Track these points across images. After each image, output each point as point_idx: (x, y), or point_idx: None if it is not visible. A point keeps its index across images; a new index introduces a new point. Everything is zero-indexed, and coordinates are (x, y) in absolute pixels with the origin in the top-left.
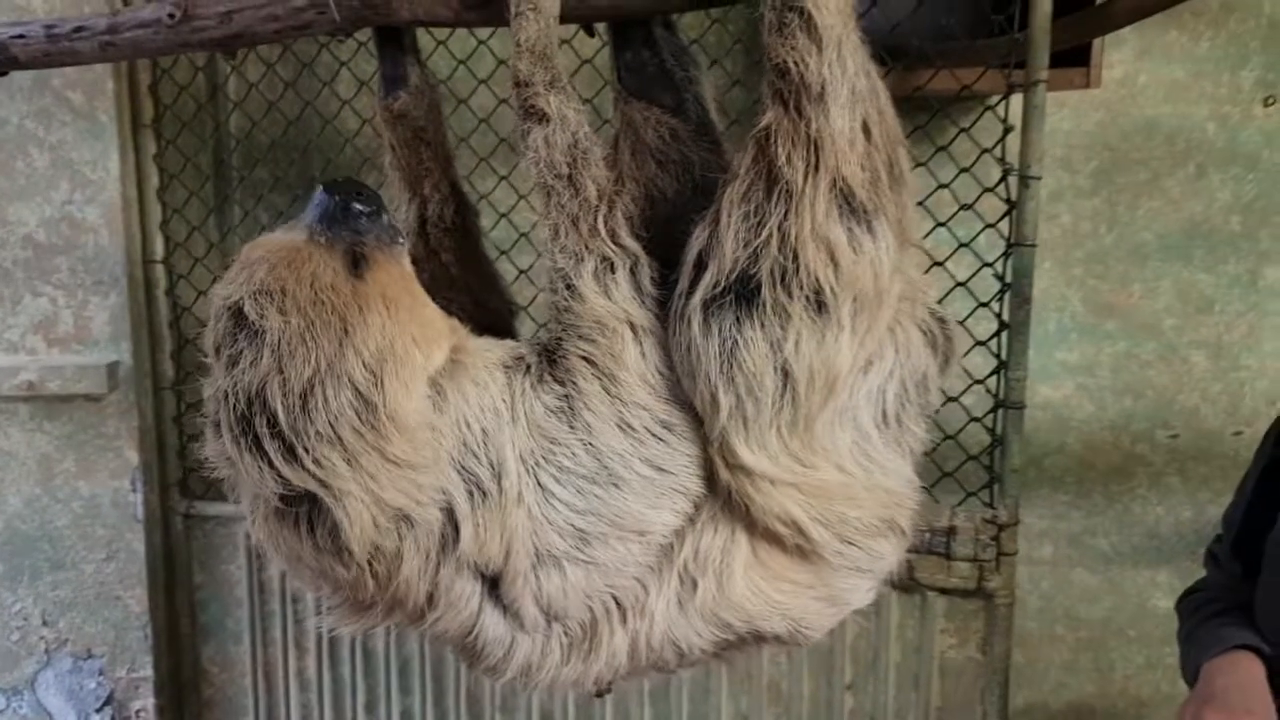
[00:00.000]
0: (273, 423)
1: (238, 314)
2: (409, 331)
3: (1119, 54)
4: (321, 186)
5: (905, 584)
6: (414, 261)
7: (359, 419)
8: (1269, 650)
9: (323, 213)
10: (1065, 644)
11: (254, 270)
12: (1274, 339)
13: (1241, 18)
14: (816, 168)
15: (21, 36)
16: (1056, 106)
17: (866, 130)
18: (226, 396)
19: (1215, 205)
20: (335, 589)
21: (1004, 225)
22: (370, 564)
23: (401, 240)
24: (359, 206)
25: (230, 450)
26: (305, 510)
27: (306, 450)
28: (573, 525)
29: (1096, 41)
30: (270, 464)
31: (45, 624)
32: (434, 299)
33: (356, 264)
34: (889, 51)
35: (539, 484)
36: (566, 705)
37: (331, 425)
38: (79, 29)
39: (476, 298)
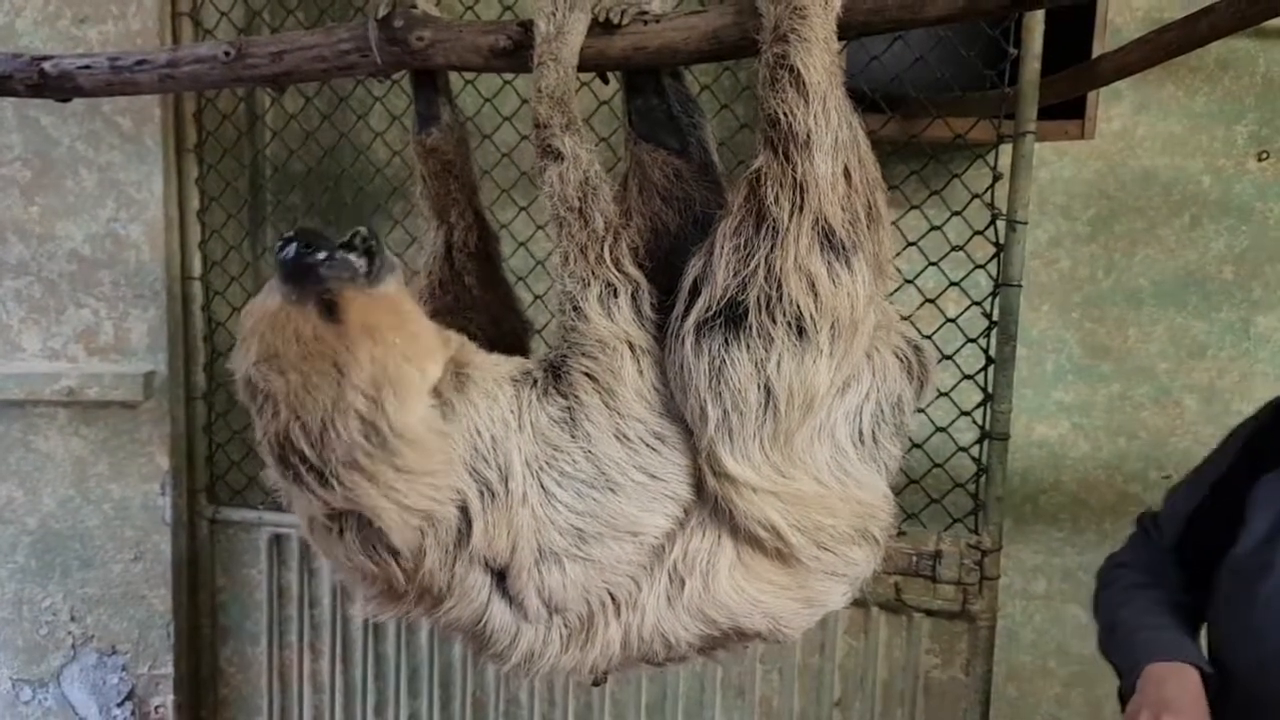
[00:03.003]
0: (304, 458)
1: (249, 382)
2: (398, 352)
3: (1118, 107)
4: (278, 246)
5: (893, 605)
6: (440, 283)
7: (369, 443)
8: (1210, 670)
9: (286, 274)
10: (1057, 678)
11: (250, 343)
12: (1265, 386)
13: (1236, 75)
14: (801, 207)
15: (88, 67)
16: (1056, 156)
17: (848, 175)
18: (265, 441)
19: (1209, 254)
20: (372, 582)
21: (992, 267)
22: (399, 559)
23: (379, 266)
24: (312, 258)
25: (280, 480)
26: (346, 523)
27: (335, 476)
28: (572, 525)
29: (1091, 95)
30: (311, 490)
31: (73, 620)
32: (456, 319)
33: (331, 309)
34: (888, 101)
35: (542, 487)
36: (567, 712)
37: (349, 453)
38: (141, 62)
39: (495, 318)
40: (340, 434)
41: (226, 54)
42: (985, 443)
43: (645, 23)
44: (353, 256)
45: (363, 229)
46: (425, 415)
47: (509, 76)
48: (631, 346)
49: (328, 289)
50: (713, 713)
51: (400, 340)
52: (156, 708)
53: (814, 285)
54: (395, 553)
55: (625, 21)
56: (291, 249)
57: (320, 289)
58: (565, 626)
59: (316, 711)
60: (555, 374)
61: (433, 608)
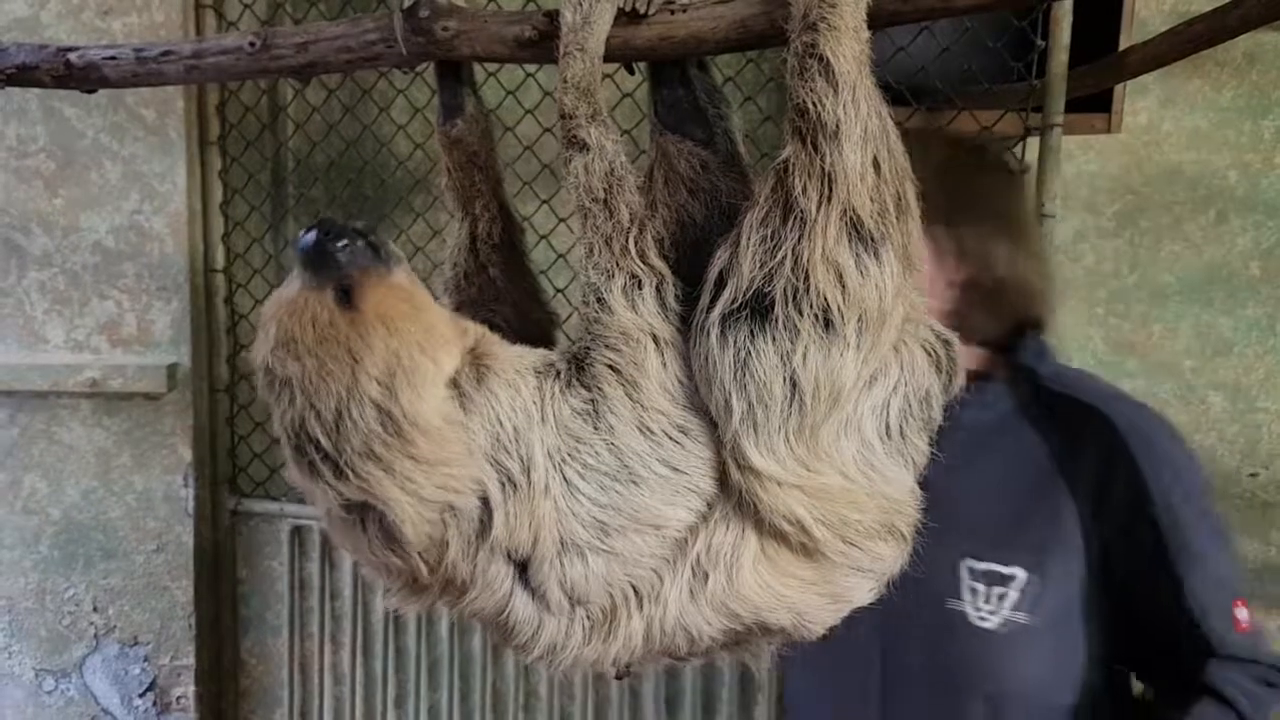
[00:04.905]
0: (319, 448)
1: (267, 368)
2: (413, 341)
3: (1144, 101)
4: (300, 236)
5: None
6: (465, 275)
7: (385, 431)
8: None
9: (305, 260)
10: None
11: (269, 328)
12: None
13: (1264, 69)
14: (829, 198)
15: (113, 58)
16: (1082, 150)
17: (877, 166)
18: (282, 430)
19: (1235, 250)
20: (396, 575)
21: None
22: (421, 553)
23: (386, 257)
24: (332, 245)
25: (297, 473)
26: (364, 515)
27: (350, 467)
28: (595, 518)
29: (1118, 88)
30: (326, 482)
31: (95, 610)
32: (481, 311)
33: (348, 295)
34: (914, 93)
35: (565, 479)
36: (585, 705)
37: (365, 442)
38: (166, 53)
39: (520, 310)
40: (356, 421)
41: (252, 45)
42: None
43: (672, 12)
44: (364, 245)
45: (363, 224)
46: (441, 405)
47: (531, 69)
48: (656, 339)
49: (346, 274)
50: (730, 708)
51: (415, 329)
52: (178, 698)
53: (841, 277)
54: (406, 545)
55: (652, 11)
56: (313, 235)
57: (339, 274)
58: (588, 619)
59: (337, 703)
60: (578, 366)
61: (457, 599)
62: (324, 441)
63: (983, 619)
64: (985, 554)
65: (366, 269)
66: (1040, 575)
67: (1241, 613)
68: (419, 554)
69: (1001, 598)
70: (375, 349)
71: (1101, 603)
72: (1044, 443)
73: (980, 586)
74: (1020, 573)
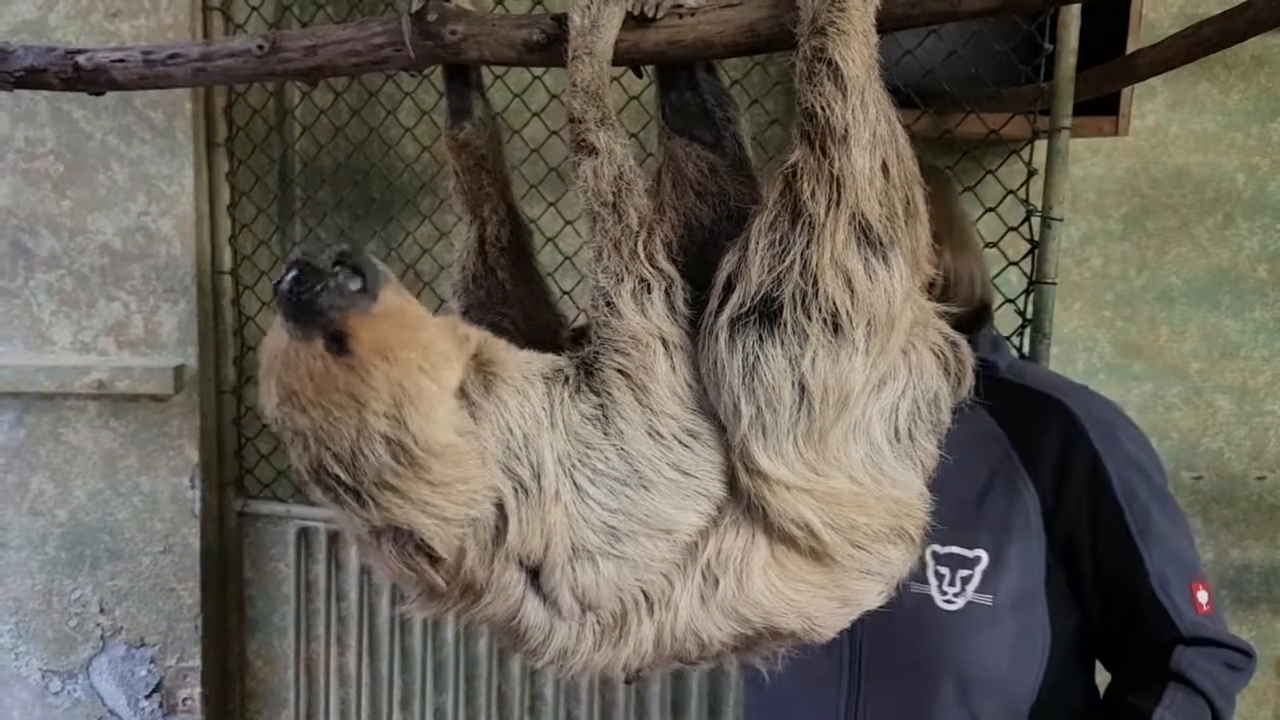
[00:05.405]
0: (340, 482)
1: (278, 421)
2: (414, 366)
3: (1151, 104)
4: (275, 283)
5: None
6: (473, 278)
7: (398, 462)
8: None
9: (287, 312)
10: None
11: (269, 383)
12: None
13: (1272, 72)
14: (838, 203)
15: (121, 60)
16: (1089, 153)
17: (885, 170)
18: (301, 470)
19: (1243, 253)
20: (415, 584)
21: (1026, 264)
22: (437, 566)
23: (372, 279)
24: (309, 294)
25: (323, 501)
26: (383, 534)
27: (370, 497)
28: (605, 523)
29: (1126, 91)
30: (352, 510)
31: (102, 612)
32: (489, 314)
33: (339, 339)
34: (921, 96)
35: (575, 485)
36: (592, 708)
37: (380, 474)
38: (174, 55)
39: (528, 312)
40: (369, 458)
41: (260, 48)
42: None
43: (680, 16)
44: (344, 279)
45: (344, 246)
46: (451, 420)
47: (538, 72)
48: (665, 342)
49: (330, 320)
50: (736, 711)
51: (413, 353)
52: (184, 700)
53: (850, 282)
54: (435, 560)
55: (660, 15)
56: (289, 281)
57: (325, 321)
58: (598, 624)
59: (343, 705)
60: (587, 370)
61: (472, 604)
62: (344, 476)
63: (949, 601)
64: (948, 539)
65: (348, 309)
66: (1002, 557)
67: (1202, 595)
68: (435, 566)
69: (966, 580)
70: (377, 387)
71: (1066, 586)
72: (1003, 431)
73: (945, 570)
74: (983, 554)
